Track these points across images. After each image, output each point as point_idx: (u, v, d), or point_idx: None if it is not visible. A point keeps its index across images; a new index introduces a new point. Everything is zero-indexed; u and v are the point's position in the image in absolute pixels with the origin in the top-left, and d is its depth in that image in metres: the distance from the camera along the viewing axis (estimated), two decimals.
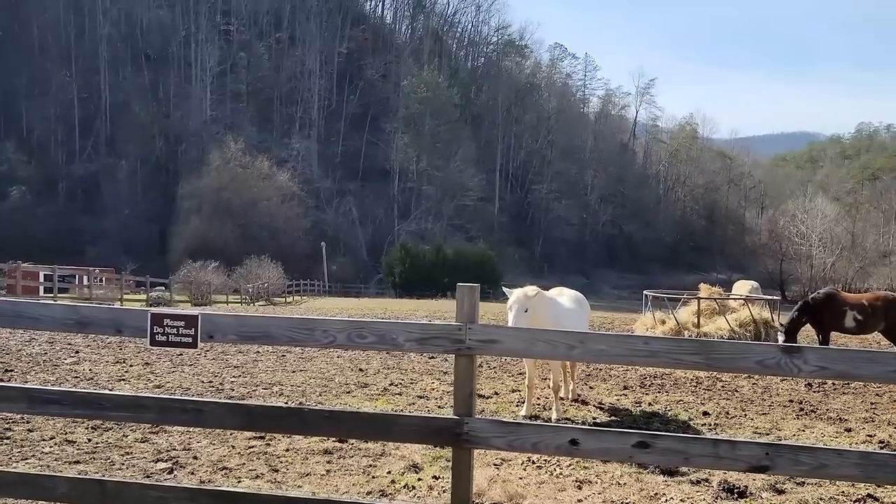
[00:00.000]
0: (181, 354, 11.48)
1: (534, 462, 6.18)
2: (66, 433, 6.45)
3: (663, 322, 13.50)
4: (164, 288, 40.76)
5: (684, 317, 12.89)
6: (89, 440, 6.35)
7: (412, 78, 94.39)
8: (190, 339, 3.37)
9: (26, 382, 8.73)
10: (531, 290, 7.53)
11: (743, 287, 14.25)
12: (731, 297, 13.05)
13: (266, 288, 45.45)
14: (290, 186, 77.78)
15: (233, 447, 6.30)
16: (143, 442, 6.37)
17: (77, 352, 11.24)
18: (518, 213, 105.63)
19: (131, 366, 10.29)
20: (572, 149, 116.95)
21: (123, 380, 9.21)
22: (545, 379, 9.62)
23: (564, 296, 8.52)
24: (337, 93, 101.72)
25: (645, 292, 14.84)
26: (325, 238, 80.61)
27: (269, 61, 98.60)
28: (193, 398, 4.22)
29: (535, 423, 3.92)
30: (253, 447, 6.33)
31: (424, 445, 6.08)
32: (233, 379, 9.61)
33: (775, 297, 13.09)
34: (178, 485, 4.17)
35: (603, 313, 36.42)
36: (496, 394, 9.26)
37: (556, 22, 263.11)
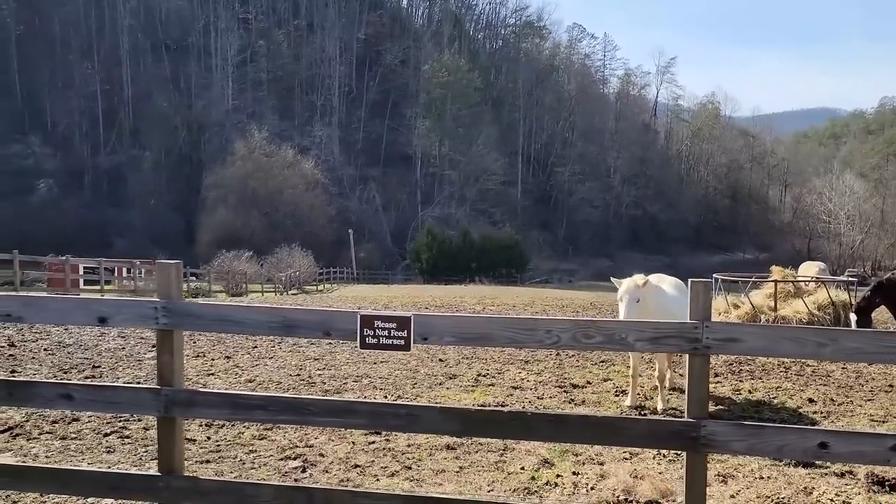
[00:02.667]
0: (256, 347, 11.40)
1: (665, 455, 6.01)
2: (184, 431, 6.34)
3: (736, 306, 13.18)
4: (195, 278, 40.90)
5: (758, 300, 12.58)
6: (208, 438, 6.25)
7: (433, 62, 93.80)
8: (402, 342, 3.20)
9: (118, 379, 8.67)
10: (640, 278, 7.31)
11: (810, 268, 13.92)
12: (813, 279, 12.71)
13: (298, 276, 45.51)
14: (315, 174, 77.76)
15: (353, 444, 6.16)
16: (262, 439, 6.25)
17: (153, 346, 11.16)
18: (541, 196, 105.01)
19: (213, 359, 10.21)
20: (593, 130, 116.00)
21: (212, 374, 9.12)
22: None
23: (665, 283, 8.28)
24: (357, 79, 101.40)
25: (714, 275, 14.51)
26: (349, 225, 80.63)
27: (288, 49, 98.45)
28: (406, 403, 4.08)
29: (776, 425, 3.68)
30: (373, 443, 6.20)
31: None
32: (318, 371, 9.49)
33: (851, 279, 12.75)
34: (389, 491, 4.07)
35: None
36: (589, 383, 9.07)
37: (573, 2, 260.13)
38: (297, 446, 6.05)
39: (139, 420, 6.67)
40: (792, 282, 12.73)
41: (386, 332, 3.22)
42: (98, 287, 28.73)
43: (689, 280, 3.21)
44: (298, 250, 49.44)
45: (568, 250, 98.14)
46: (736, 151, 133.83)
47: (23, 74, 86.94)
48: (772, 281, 12.84)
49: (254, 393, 4.12)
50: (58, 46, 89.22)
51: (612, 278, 7.85)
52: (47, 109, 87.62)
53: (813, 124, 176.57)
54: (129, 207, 79.68)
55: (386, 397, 8.00)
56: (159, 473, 3.51)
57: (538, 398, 8.14)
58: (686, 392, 3.20)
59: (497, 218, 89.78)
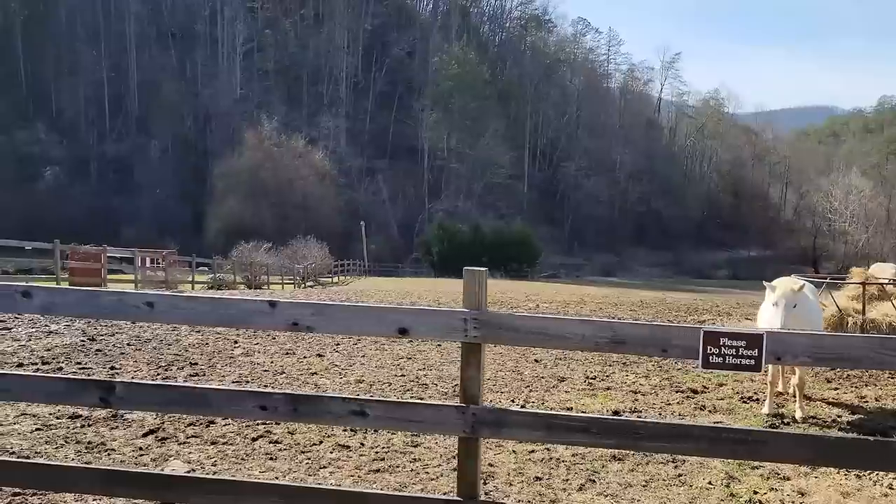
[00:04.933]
0: (338, 344, 11.10)
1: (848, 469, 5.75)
2: (328, 435, 6.06)
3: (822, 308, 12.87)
4: (206, 268, 40.39)
5: (843, 302, 12.35)
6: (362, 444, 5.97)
7: (443, 54, 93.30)
8: (752, 362, 2.92)
9: (224, 378, 8.37)
10: (795, 282, 7.02)
11: (886, 270, 13.69)
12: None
13: (314, 268, 45.18)
14: (325, 165, 77.34)
15: (514, 452, 5.89)
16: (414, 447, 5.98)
17: (235, 342, 10.87)
18: (547, 190, 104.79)
19: (305, 356, 9.91)
20: (599, 125, 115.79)
21: (315, 373, 8.82)
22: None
23: (806, 287, 7.99)
24: (364, 70, 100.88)
25: (794, 277, 14.15)
26: (356, 217, 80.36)
27: (295, 39, 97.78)
28: (745, 428, 3.81)
29: None
30: (534, 451, 5.93)
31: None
32: (421, 372, 9.19)
33: None
34: None
35: (676, 294, 35.87)
36: (705, 388, 8.80)
37: None
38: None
39: (278, 424, 6.38)
40: (881, 284, 12.47)
41: (733, 351, 2.93)
42: (132, 278, 28.26)
43: None
44: (314, 241, 49.06)
45: (574, 245, 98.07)
46: (738, 148, 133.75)
47: (28, 60, 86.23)
48: (858, 283, 12.57)
49: (572, 414, 3.80)
50: (63, 33, 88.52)
51: (764, 282, 7.54)
52: (52, 96, 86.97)
53: (810, 122, 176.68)
54: (135, 196, 79.18)
55: (513, 401, 7.74)
56: (459, 498, 3.22)
57: (666, 404, 7.87)
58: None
59: (504, 212, 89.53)
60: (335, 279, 47.95)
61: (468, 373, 3.18)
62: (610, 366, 10.09)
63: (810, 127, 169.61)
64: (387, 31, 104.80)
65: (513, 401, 7.77)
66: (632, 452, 5.94)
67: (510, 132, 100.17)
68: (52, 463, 4.55)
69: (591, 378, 9.16)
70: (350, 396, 3.54)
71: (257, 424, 6.34)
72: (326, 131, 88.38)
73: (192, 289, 28.41)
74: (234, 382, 8.13)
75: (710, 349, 2.94)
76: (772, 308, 6.93)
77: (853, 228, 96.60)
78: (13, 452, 5.36)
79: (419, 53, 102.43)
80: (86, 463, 5.20)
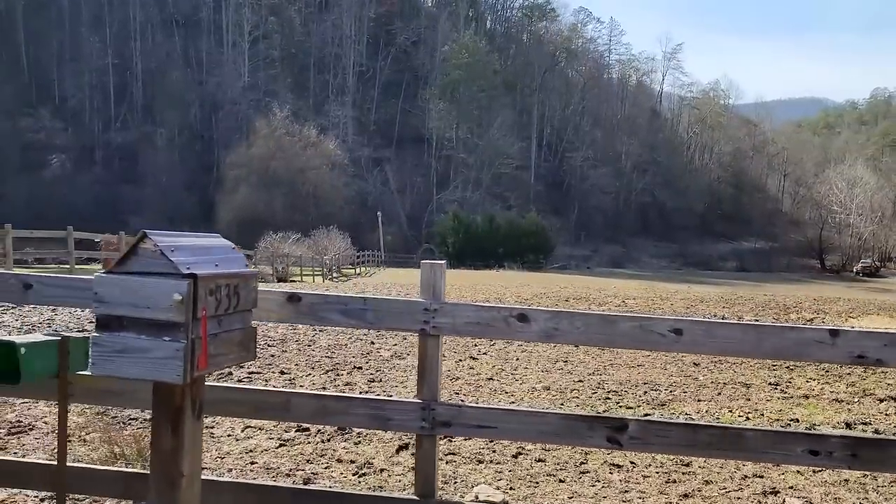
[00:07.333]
0: (475, 345, 10.66)
1: None
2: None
3: None
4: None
5: None
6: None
7: (452, 43, 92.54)
8: None
9: (400, 386, 7.92)
10: None
11: None
12: None
13: (338, 259, 44.72)
14: (337, 154, 76.64)
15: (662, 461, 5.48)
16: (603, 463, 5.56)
17: (372, 342, 10.41)
18: (553, 181, 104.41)
19: (460, 360, 9.46)
20: (603, 116, 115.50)
21: (492, 379, 8.39)
22: None
23: None
24: (368, 58, 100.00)
25: None
26: (365, 207, 79.84)
27: (301, 27, 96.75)
28: None
29: None
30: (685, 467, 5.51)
31: None
32: (605, 379, 8.78)
33: None
34: None
35: (706, 287, 35.61)
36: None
37: None
38: (679, 478, 5.36)
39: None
40: None
41: None
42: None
43: None
44: (336, 232, 48.57)
45: (580, 236, 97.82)
46: (739, 140, 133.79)
47: (30, 46, 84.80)
48: None
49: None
50: (66, 18, 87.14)
51: None
52: (56, 83, 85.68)
53: (803, 114, 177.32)
54: (142, 185, 78.21)
55: (731, 410, 7.33)
56: None
57: (884, 415, 7.50)
58: None
59: (512, 202, 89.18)
60: (358, 270, 47.48)
61: None
62: (775, 368, 9.71)
63: (803, 119, 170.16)
64: (392, 20, 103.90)
65: (730, 410, 7.36)
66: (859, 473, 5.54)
67: (517, 122, 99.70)
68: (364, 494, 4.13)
69: (772, 385, 8.77)
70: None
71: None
72: (336, 120, 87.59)
73: None
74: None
75: None
76: None
77: (859, 220, 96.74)
78: (288, 474, 4.93)
79: (425, 42, 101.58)
80: (376, 489, 4.77)
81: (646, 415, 6.97)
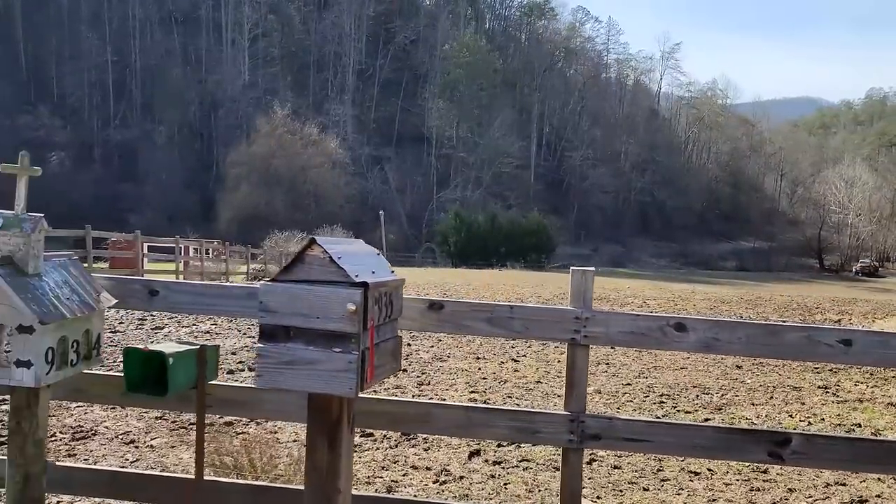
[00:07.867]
0: (513, 346, 10.54)
1: None
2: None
3: None
4: (239, 257, 39.54)
5: None
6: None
7: (453, 42, 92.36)
8: None
9: (451, 389, 7.80)
10: None
11: None
12: None
13: None
14: (338, 153, 76.42)
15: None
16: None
17: (409, 344, 10.28)
18: (553, 180, 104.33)
19: (502, 362, 9.35)
20: (602, 115, 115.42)
21: (539, 381, 8.27)
22: None
23: None
24: (368, 57, 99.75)
25: None
26: (365, 206, 79.63)
27: (301, 25, 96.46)
28: None
29: None
30: (827, 485, 5.43)
31: None
32: (653, 383, 8.67)
33: None
34: None
35: (713, 288, 35.54)
36: None
37: None
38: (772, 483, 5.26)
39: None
40: None
41: None
42: (173, 268, 27.51)
43: None
44: (340, 231, 48.39)
45: (580, 235, 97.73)
46: (736, 139, 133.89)
47: (29, 43, 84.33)
48: None
49: None
50: (65, 15, 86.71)
51: None
52: (55, 80, 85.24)
53: (799, 113, 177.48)
54: (141, 183, 77.88)
55: (791, 415, 7.23)
56: None
57: None
58: None
59: (512, 202, 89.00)
60: None
61: None
62: (818, 371, 9.62)
63: (799, 119, 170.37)
64: (391, 18, 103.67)
65: (822, 420, 7.26)
66: None
67: (516, 121, 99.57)
68: None
69: (823, 389, 8.68)
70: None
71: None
72: (335, 118, 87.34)
73: (247, 279, 27.70)
74: (472, 393, 7.57)
75: None
76: None
77: (857, 220, 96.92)
78: (367, 482, 4.80)
79: (425, 41, 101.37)
80: (460, 497, 4.65)
81: (706, 419, 6.88)
